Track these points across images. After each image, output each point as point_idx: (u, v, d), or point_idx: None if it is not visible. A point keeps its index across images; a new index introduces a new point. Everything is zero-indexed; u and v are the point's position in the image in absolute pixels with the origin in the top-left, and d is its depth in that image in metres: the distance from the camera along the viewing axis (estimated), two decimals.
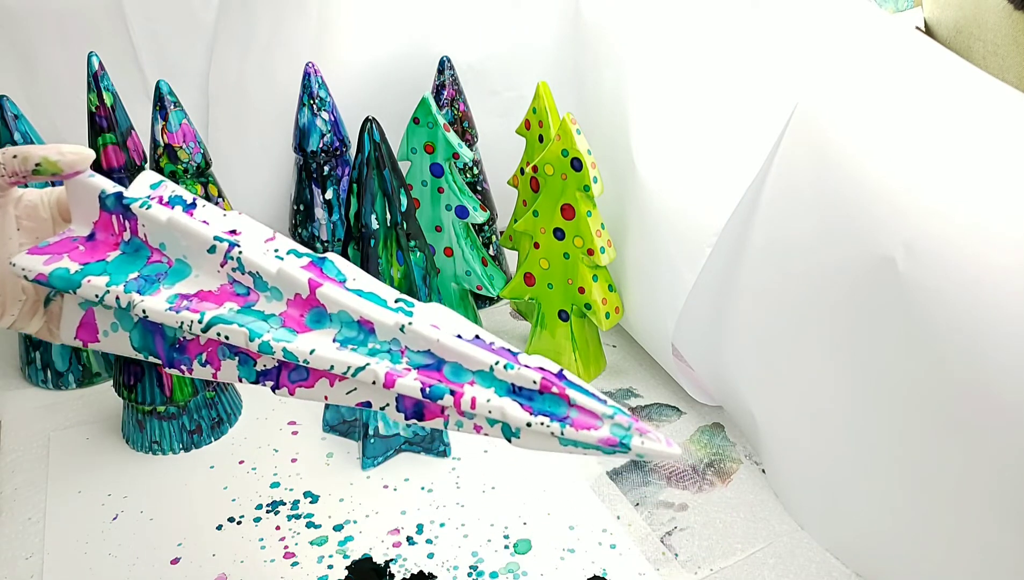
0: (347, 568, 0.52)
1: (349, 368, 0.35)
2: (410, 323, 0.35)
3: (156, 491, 0.58)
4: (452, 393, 0.34)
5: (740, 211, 0.54)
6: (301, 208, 0.73)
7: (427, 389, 0.34)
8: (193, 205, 0.39)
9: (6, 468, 0.60)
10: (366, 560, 0.53)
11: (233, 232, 0.38)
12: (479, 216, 0.68)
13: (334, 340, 0.35)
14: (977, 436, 0.42)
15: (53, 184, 0.41)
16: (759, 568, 0.52)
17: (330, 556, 0.53)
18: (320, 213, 0.72)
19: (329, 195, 0.72)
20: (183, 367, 0.37)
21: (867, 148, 0.47)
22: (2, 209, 0.40)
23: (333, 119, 0.70)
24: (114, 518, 0.56)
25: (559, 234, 0.64)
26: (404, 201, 0.57)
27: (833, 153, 0.48)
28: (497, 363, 0.34)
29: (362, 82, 0.75)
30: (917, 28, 0.74)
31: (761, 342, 0.56)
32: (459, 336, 0.35)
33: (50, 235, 0.41)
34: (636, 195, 0.61)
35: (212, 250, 0.37)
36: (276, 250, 0.38)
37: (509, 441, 0.34)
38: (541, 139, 0.69)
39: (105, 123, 0.60)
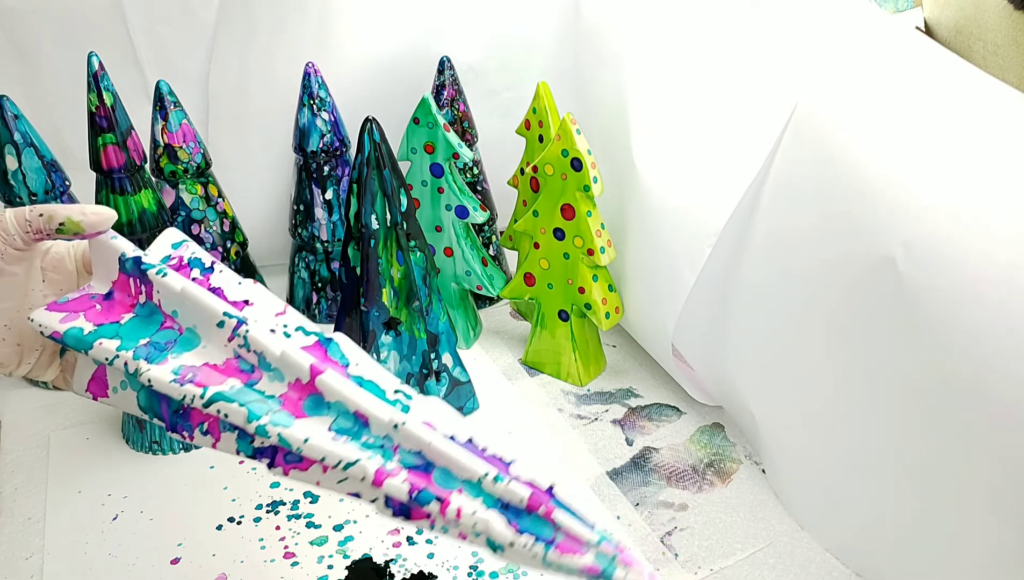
0: (347, 568, 0.52)
1: (340, 462, 0.34)
2: (404, 423, 0.35)
3: (156, 491, 0.58)
4: (439, 500, 0.34)
5: (740, 211, 0.54)
6: (301, 208, 0.73)
7: (414, 494, 0.34)
8: (211, 269, 0.40)
9: (6, 468, 0.60)
10: (366, 560, 0.53)
11: (246, 302, 0.39)
12: (479, 216, 0.68)
13: (329, 429, 0.35)
14: (977, 435, 0.42)
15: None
16: (759, 568, 0.52)
17: (330, 556, 0.53)
18: (320, 213, 0.72)
19: (329, 195, 0.72)
20: (184, 433, 0.38)
21: (867, 148, 0.47)
22: (28, 262, 0.41)
23: (333, 119, 0.70)
24: (114, 518, 0.56)
25: (559, 234, 0.64)
26: (404, 201, 0.57)
27: (833, 153, 0.48)
28: (487, 475, 0.34)
29: (362, 82, 0.75)
30: (917, 28, 0.74)
31: (761, 342, 0.56)
32: (452, 438, 0.35)
33: (74, 287, 0.42)
34: (636, 195, 0.61)
35: (221, 325, 0.38)
36: (285, 326, 0.38)
37: (494, 553, 0.34)
38: (541, 139, 0.69)
39: (105, 123, 0.60)
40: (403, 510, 0.35)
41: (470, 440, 0.35)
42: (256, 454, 0.36)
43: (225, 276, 0.40)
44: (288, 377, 0.36)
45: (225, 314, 0.37)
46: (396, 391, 0.36)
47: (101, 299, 0.40)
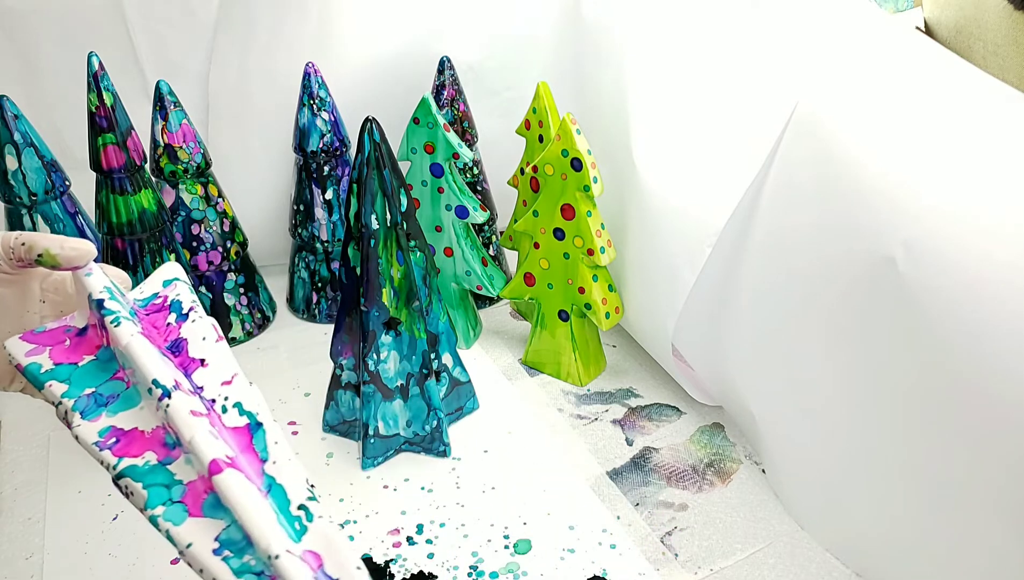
0: None
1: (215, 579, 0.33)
2: (278, 557, 0.33)
3: None
4: None
5: (740, 211, 0.54)
6: (301, 208, 0.73)
7: None
8: (186, 317, 0.39)
9: (6, 468, 0.60)
10: (366, 560, 0.53)
11: (201, 362, 0.38)
12: (479, 216, 0.68)
13: (216, 538, 0.34)
14: (977, 435, 0.42)
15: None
16: (759, 568, 0.52)
17: None
18: (320, 213, 0.72)
19: (329, 195, 0.72)
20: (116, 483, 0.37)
21: (867, 148, 0.47)
22: (23, 285, 0.41)
23: (333, 119, 0.70)
24: (114, 518, 0.56)
25: (559, 234, 0.64)
26: (404, 201, 0.57)
27: (833, 153, 0.48)
28: None
29: (362, 82, 0.75)
30: (917, 28, 0.74)
31: (761, 342, 0.56)
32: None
33: (74, 309, 0.41)
34: (636, 195, 0.61)
35: (150, 392, 0.36)
36: (226, 398, 0.37)
37: None
38: (541, 139, 0.69)
39: (105, 123, 0.60)
40: None
41: None
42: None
43: (196, 326, 0.39)
44: (195, 465, 0.35)
45: (154, 382, 0.36)
46: (300, 507, 0.35)
47: (74, 334, 0.40)
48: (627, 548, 0.53)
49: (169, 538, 0.34)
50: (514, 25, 0.76)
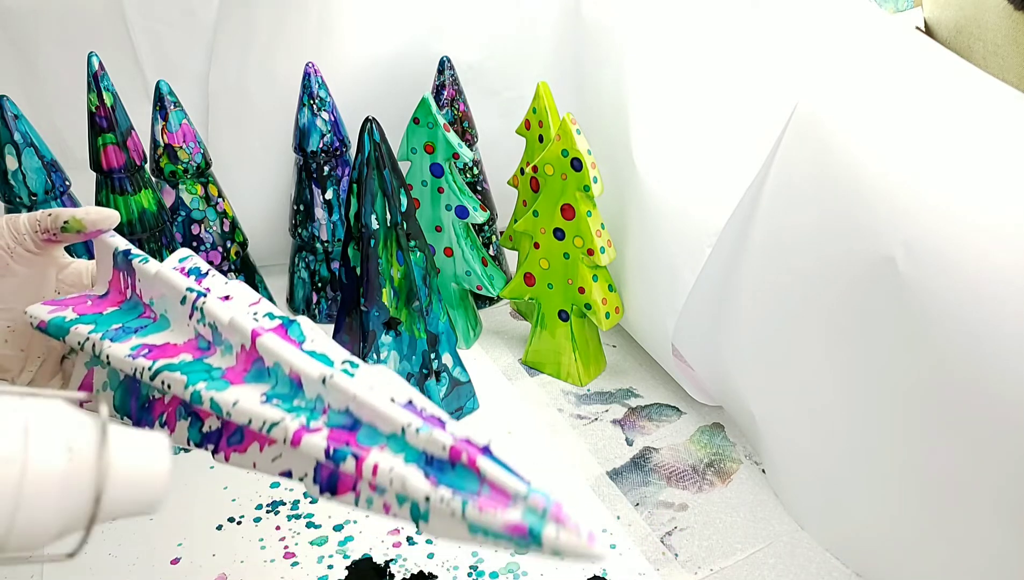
0: (347, 568, 0.52)
1: (264, 423, 0.33)
2: (331, 376, 0.32)
3: None
4: (355, 457, 0.30)
5: (740, 211, 0.54)
6: (301, 208, 0.73)
7: (331, 451, 0.31)
8: (204, 275, 0.41)
9: None
10: (366, 560, 0.53)
11: (227, 297, 0.39)
12: (479, 216, 0.68)
13: (263, 394, 0.34)
14: (977, 435, 0.42)
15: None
16: (759, 568, 0.52)
17: (330, 556, 0.53)
18: (320, 213, 0.72)
19: (329, 195, 0.72)
20: (146, 426, 0.38)
21: (867, 148, 0.47)
22: (40, 269, 0.43)
23: (333, 119, 0.70)
24: (114, 518, 0.56)
25: (559, 234, 0.64)
26: (404, 201, 0.57)
27: (833, 153, 0.48)
28: (410, 425, 0.30)
29: (362, 82, 0.75)
30: (917, 28, 0.74)
31: (761, 342, 0.56)
32: (392, 399, 0.32)
33: None
34: (636, 195, 0.61)
35: (183, 301, 0.38)
36: (255, 313, 0.37)
37: (417, 527, 0.30)
38: (541, 139, 0.69)
39: (105, 123, 0.60)
40: (330, 483, 0.32)
41: (410, 401, 0.32)
42: (203, 441, 0.36)
43: (216, 279, 0.41)
44: (235, 346, 0.36)
45: (187, 289, 0.38)
46: (344, 361, 0.34)
47: (96, 298, 0.42)
48: (627, 548, 0.53)
49: (213, 405, 0.34)
50: (514, 25, 0.76)
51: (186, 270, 0.41)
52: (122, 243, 0.42)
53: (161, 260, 0.42)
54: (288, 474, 0.33)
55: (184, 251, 0.43)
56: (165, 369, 0.36)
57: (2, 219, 0.41)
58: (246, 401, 0.34)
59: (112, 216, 0.42)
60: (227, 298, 0.39)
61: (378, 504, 0.31)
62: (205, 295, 0.38)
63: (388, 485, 0.30)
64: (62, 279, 0.44)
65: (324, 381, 0.33)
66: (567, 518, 0.27)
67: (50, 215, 0.41)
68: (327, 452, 0.31)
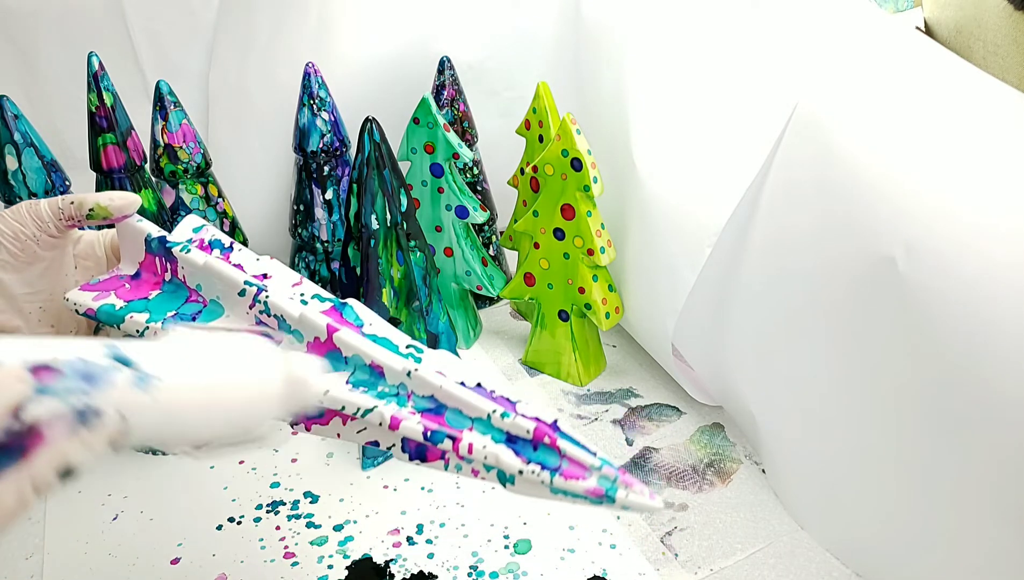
0: (347, 568, 0.52)
1: (359, 409, 0.37)
2: (416, 370, 0.38)
3: (156, 491, 0.58)
4: (451, 438, 0.36)
5: (740, 211, 0.54)
6: (301, 208, 0.73)
7: (428, 433, 0.37)
8: (230, 249, 0.43)
9: None
10: (366, 560, 0.53)
11: (264, 276, 0.41)
12: (479, 216, 0.68)
13: (347, 382, 0.38)
14: (977, 435, 0.42)
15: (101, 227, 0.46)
16: (759, 568, 0.52)
17: (330, 556, 0.53)
18: (320, 213, 0.72)
19: (329, 195, 0.72)
20: None
21: (867, 148, 0.47)
22: (62, 249, 0.44)
23: (333, 119, 0.70)
24: (114, 518, 0.56)
25: (559, 234, 0.64)
26: (404, 201, 0.57)
27: (833, 153, 0.48)
28: (495, 411, 0.37)
29: (362, 82, 0.75)
30: (917, 28, 0.74)
31: (761, 342, 0.56)
32: (462, 383, 0.38)
33: (104, 272, 0.45)
34: (636, 195, 0.61)
35: (242, 293, 0.40)
36: (302, 295, 0.40)
37: (504, 487, 0.36)
38: (541, 139, 0.69)
39: (105, 123, 0.60)
40: (419, 452, 0.37)
41: (479, 384, 0.38)
42: None
43: (244, 254, 0.42)
44: (307, 337, 0.39)
45: (246, 283, 0.40)
46: (408, 346, 0.39)
47: (129, 279, 0.43)
48: (627, 548, 0.53)
49: None
50: (514, 25, 0.76)
51: (207, 243, 0.42)
52: (152, 229, 0.43)
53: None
54: (376, 444, 0.38)
55: (193, 219, 0.44)
56: None
57: (22, 208, 0.42)
58: (336, 390, 0.37)
59: (135, 200, 0.43)
60: (266, 277, 0.41)
61: (466, 470, 0.37)
62: (264, 290, 0.40)
63: (482, 460, 0.36)
64: (77, 253, 0.45)
65: (409, 374, 0.38)
66: (632, 482, 0.37)
67: (72, 203, 0.42)
68: (425, 434, 0.37)
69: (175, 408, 0.27)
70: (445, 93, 0.71)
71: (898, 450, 0.47)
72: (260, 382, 0.31)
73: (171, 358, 0.28)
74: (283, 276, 0.42)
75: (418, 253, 0.58)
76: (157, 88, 0.63)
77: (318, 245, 0.73)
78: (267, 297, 0.40)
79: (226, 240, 0.43)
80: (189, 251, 0.42)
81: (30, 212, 0.42)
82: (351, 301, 0.40)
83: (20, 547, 0.54)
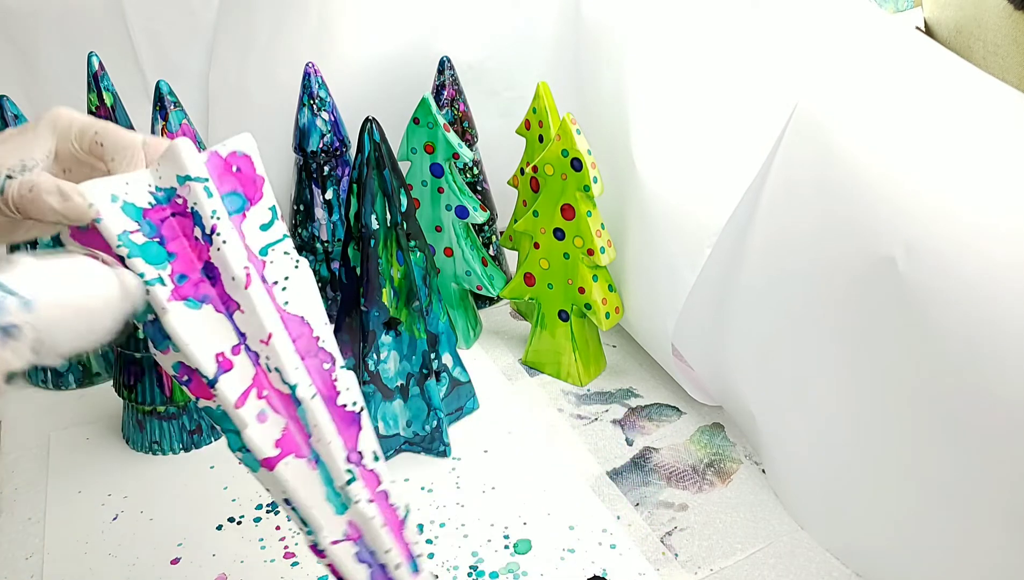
0: None
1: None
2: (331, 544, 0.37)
3: (156, 491, 0.58)
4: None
5: (740, 211, 0.54)
6: (301, 208, 0.73)
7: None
8: (210, 239, 0.36)
9: (6, 468, 0.60)
10: None
11: (239, 306, 0.36)
12: (479, 216, 0.68)
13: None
14: (977, 436, 0.42)
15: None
16: (759, 568, 0.52)
17: None
18: (320, 213, 0.72)
19: (329, 195, 0.72)
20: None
21: (867, 148, 0.47)
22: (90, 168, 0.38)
23: (333, 119, 0.70)
24: (114, 518, 0.56)
25: (559, 234, 0.64)
26: (404, 201, 0.57)
27: (833, 153, 0.48)
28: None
29: (362, 82, 0.75)
30: (917, 28, 0.74)
31: (761, 342, 0.56)
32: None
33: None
34: (636, 195, 0.61)
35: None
36: (267, 358, 0.36)
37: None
38: (541, 139, 0.69)
39: None
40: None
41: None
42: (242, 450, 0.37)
43: (224, 257, 0.35)
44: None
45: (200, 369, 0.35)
46: (347, 471, 0.36)
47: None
48: (627, 548, 0.53)
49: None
50: (514, 25, 0.76)
51: (189, 209, 0.36)
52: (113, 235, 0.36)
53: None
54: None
55: (187, 151, 0.36)
56: (207, 410, 0.37)
57: (65, 117, 0.37)
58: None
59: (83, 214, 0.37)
60: (239, 308, 0.36)
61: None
62: (215, 383, 0.35)
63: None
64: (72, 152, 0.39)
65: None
66: None
67: (102, 145, 0.36)
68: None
69: (51, 325, 0.30)
70: (445, 93, 0.71)
71: (898, 450, 0.47)
72: (105, 292, 0.33)
73: (35, 281, 0.31)
74: (253, 319, 0.35)
75: (418, 253, 0.58)
76: (157, 88, 0.63)
77: (318, 245, 0.73)
78: (219, 392, 0.35)
79: (207, 218, 0.35)
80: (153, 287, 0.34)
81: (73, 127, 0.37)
82: (305, 402, 0.36)
83: (20, 547, 0.54)
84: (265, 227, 0.38)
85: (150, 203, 0.35)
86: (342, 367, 0.37)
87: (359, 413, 0.37)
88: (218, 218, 0.35)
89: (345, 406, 0.37)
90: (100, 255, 0.35)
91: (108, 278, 0.33)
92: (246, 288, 0.35)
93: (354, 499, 0.37)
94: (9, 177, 0.36)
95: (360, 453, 0.37)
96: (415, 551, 0.39)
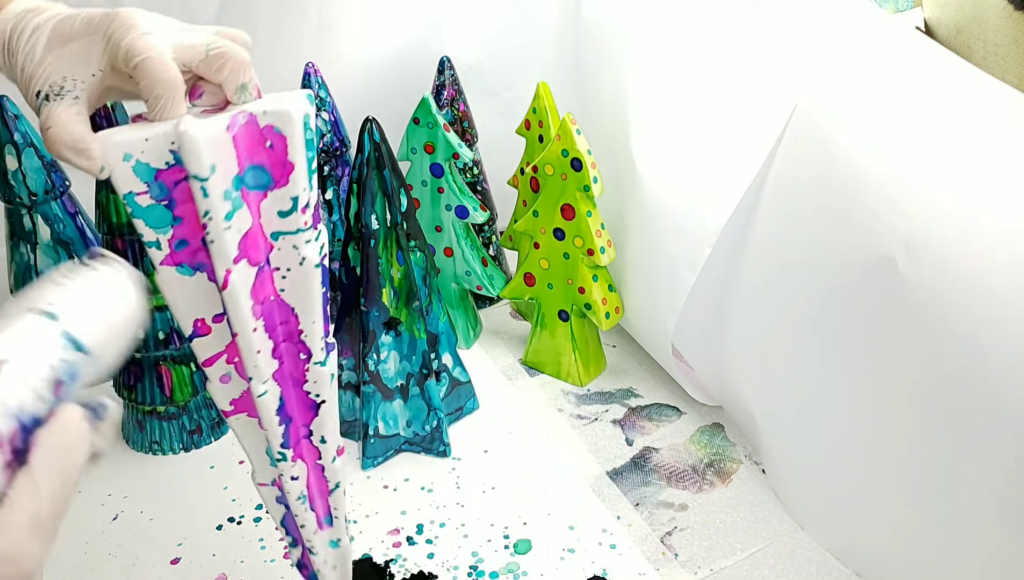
0: None
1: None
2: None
3: (156, 491, 0.58)
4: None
5: (740, 211, 0.54)
6: None
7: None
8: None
9: None
10: (366, 560, 0.53)
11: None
12: (479, 216, 0.68)
13: None
14: (977, 435, 0.42)
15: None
16: (759, 568, 0.52)
17: None
18: (320, 213, 0.72)
19: (329, 195, 0.72)
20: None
21: (867, 148, 0.47)
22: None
23: (333, 119, 0.70)
24: (114, 518, 0.56)
25: (559, 234, 0.64)
26: (404, 201, 0.57)
27: (833, 153, 0.48)
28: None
29: (362, 82, 0.75)
30: (917, 28, 0.74)
31: (761, 342, 0.56)
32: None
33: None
34: (636, 195, 0.61)
35: None
36: None
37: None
38: (541, 139, 0.69)
39: (105, 123, 0.60)
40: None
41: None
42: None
43: (216, 250, 0.35)
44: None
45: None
46: (278, 454, 0.41)
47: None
48: (627, 548, 0.53)
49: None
50: (514, 25, 0.76)
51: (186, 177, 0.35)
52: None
53: None
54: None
55: (198, 128, 0.34)
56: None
57: (119, 31, 0.35)
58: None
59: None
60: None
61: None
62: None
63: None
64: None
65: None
66: None
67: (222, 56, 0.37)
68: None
69: (101, 356, 0.31)
70: (445, 93, 0.71)
71: (898, 449, 0.47)
72: (130, 306, 0.33)
73: (84, 321, 0.31)
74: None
75: (418, 253, 0.58)
76: None
77: None
78: None
79: (202, 217, 0.34)
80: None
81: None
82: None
83: None
84: (283, 214, 0.37)
85: (167, 163, 0.35)
86: (316, 363, 0.39)
87: (319, 403, 0.41)
88: (210, 219, 0.35)
89: (308, 393, 0.40)
90: (117, 261, 0.34)
91: (130, 290, 0.33)
92: (222, 289, 0.35)
93: (282, 471, 0.41)
94: (42, 97, 0.36)
95: (311, 430, 0.41)
96: (335, 513, 0.44)
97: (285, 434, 0.40)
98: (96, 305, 0.32)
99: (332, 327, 0.40)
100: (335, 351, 0.41)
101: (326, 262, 0.39)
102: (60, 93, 0.35)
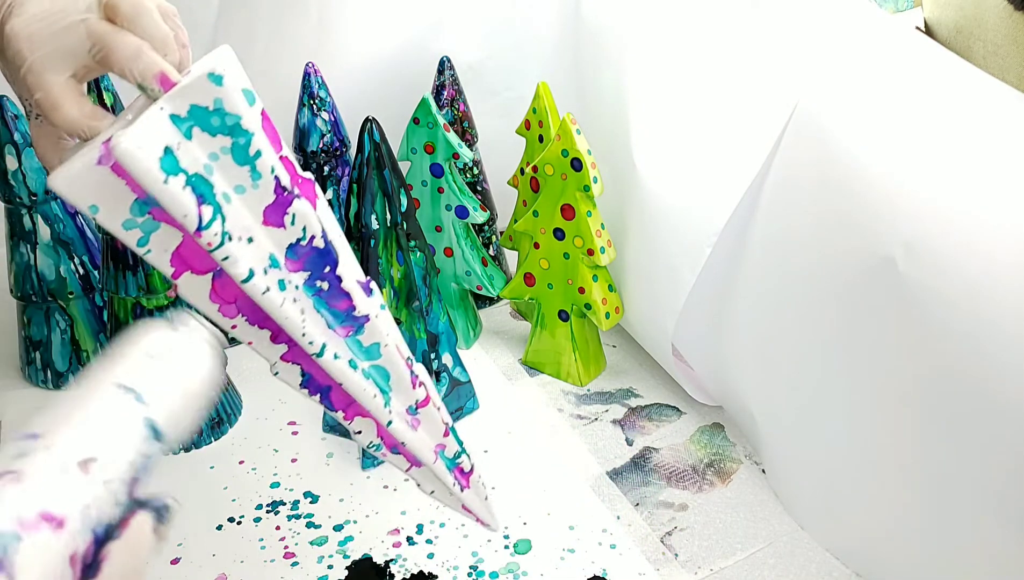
0: (347, 568, 0.52)
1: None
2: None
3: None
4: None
5: (740, 211, 0.54)
6: None
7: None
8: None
9: None
10: (366, 560, 0.53)
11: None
12: (479, 216, 0.68)
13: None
14: (976, 435, 0.42)
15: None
16: (759, 568, 0.52)
17: (330, 556, 0.53)
18: None
19: (329, 195, 0.72)
20: None
21: (867, 148, 0.47)
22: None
23: (333, 119, 0.70)
24: None
25: (559, 234, 0.64)
26: (404, 201, 0.57)
27: (833, 153, 0.48)
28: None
29: (362, 82, 0.75)
30: (917, 28, 0.74)
31: (761, 342, 0.56)
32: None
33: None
34: (636, 195, 0.61)
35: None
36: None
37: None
38: (541, 139, 0.69)
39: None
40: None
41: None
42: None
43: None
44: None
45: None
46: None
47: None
48: (627, 548, 0.53)
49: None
50: (514, 25, 0.76)
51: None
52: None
53: None
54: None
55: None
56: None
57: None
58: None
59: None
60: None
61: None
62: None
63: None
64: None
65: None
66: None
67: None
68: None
69: (174, 438, 0.32)
70: (445, 93, 0.71)
71: (898, 450, 0.47)
72: (206, 371, 0.34)
73: (164, 390, 0.31)
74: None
75: (418, 253, 0.59)
76: None
77: None
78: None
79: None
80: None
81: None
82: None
83: None
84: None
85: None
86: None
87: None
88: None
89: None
90: (199, 322, 0.35)
91: (208, 357, 0.34)
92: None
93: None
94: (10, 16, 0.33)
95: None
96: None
97: (326, 404, 0.40)
98: (177, 380, 0.32)
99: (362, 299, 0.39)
100: (365, 322, 0.39)
101: (284, 276, 0.37)
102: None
